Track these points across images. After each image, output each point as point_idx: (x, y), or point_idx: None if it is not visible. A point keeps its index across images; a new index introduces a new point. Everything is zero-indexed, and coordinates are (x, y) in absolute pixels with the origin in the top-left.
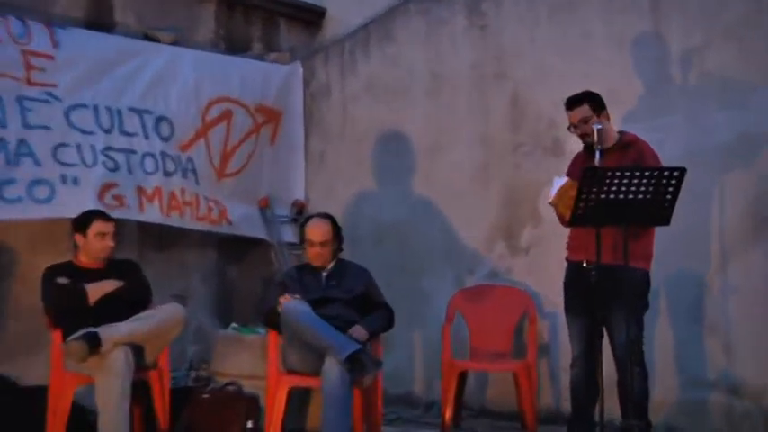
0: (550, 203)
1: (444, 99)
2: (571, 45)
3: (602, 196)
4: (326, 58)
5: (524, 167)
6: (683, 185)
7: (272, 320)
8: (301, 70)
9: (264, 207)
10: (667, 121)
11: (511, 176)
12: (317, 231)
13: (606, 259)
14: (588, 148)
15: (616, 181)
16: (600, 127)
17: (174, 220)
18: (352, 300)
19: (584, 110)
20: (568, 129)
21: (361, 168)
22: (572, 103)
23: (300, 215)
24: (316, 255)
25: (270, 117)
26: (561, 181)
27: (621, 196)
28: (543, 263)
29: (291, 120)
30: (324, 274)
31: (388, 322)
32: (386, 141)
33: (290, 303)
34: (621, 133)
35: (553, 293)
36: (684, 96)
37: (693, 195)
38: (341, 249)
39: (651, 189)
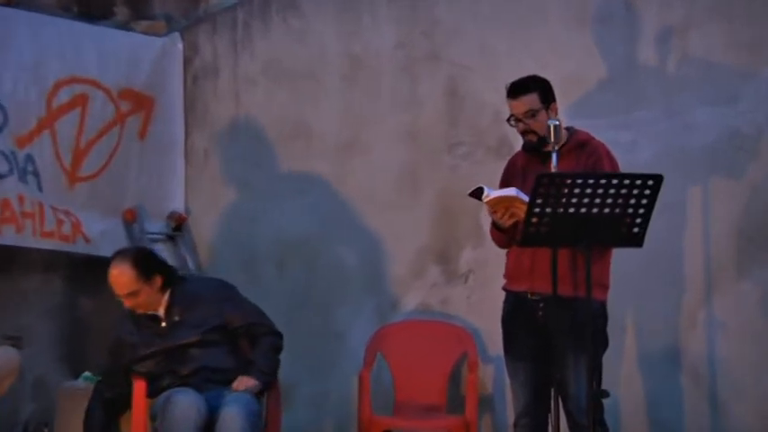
0: (487, 202)
1: (363, 86)
2: (521, 21)
3: (561, 210)
4: (214, 31)
5: (463, 171)
6: (659, 196)
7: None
8: (181, 45)
9: (131, 220)
10: (639, 117)
11: (446, 183)
12: (116, 284)
13: (557, 289)
14: (531, 149)
15: (577, 191)
16: (557, 123)
17: (8, 237)
18: (210, 336)
19: (532, 100)
20: (508, 120)
21: (258, 172)
22: (518, 89)
23: (179, 231)
24: (130, 305)
25: (138, 104)
26: (499, 193)
27: (584, 210)
28: (487, 293)
29: (167, 108)
30: (161, 312)
31: (277, 351)
32: (289, 138)
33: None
34: (571, 131)
35: (499, 332)
36: (661, 86)
37: (670, 208)
38: (168, 277)
39: (620, 201)
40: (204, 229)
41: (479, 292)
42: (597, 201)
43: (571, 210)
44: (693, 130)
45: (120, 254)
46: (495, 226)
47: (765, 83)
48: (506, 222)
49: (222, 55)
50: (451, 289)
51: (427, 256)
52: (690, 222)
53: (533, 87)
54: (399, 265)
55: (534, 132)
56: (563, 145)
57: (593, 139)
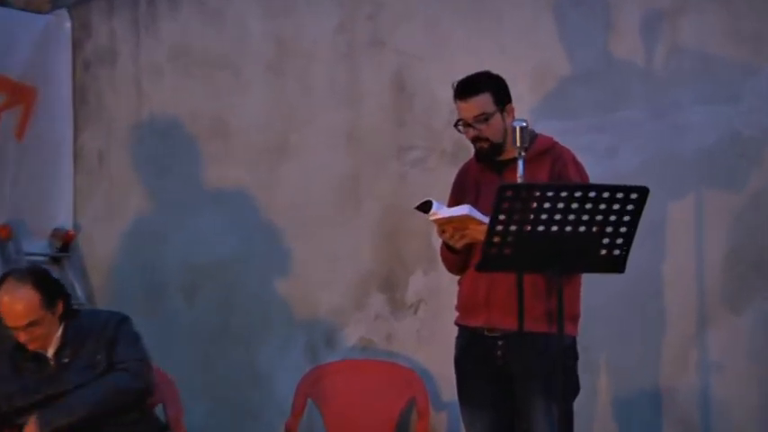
0: (434, 221)
1: (294, 77)
2: (482, 3)
3: (528, 228)
4: (110, 8)
5: (413, 180)
6: (644, 212)
7: None
8: (69, 24)
9: (5, 238)
10: (621, 119)
11: (393, 194)
12: (11, 313)
13: (517, 323)
14: (484, 158)
15: (548, 205)
16: (524, 125)
17: None
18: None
19: (485, 101)
20: (456, 125)
21: (165, 179)
22: (467, 89)
23: (66, 251)
24: (26, 339)
25: (15, 97)
26: (450, 212)
27: (555, 228)
28: (441, 327)
29: (52, 102)
30: (50, 353)
31: (118, 392)
32: (204, 138)
33: None
34: (531, 135)
35: (454, 373)
36: (647, 82)
37: (657, 227)
38: (67, 305)
39: (599, 218)
40: (98, 249)
41: (431, 326)
42: (571, 217)
43: (540, 228)
44: (685, 134)
45: (12, 275)
46: (446, 247)
47: None
48: (457, 244)
49: (121, 37)
50: (398, 322)
51: (369, 282)
52: (680, 244)
53: (486, 87)
54: (336, 292)
55: (487, 139)
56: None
57: (558, 144)
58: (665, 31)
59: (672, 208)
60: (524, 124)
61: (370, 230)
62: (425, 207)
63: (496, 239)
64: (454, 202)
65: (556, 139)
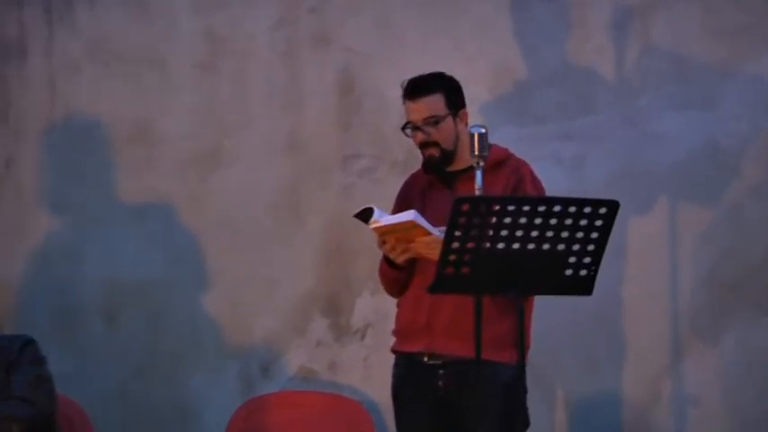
0: (373, 230)
1: (228, 77)
2: None
3: (486, 246)
4: None
5: (360, 193)
6: (613, 228)
7: None
8: None
9: None
10: (588, 125)
11: (338, 208)
12: None
13: (461, 350)
14: (432, 168)
15: (508, 221)
16: (483, 131)
17: None
18: None
19: (436, 103)
20: (403, 128)
21: (81, 189)
22: (417, 89)
23: None
24: None
25: None
26: (393, 219)
27: (516, 246)
28: (390, 355)
29: None
30: None
31: (6, 423)
32: (125, 144)
33: None
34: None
35: None
36: (617, 84)
37: (626, 244)
38: None
39: (564, 235)
40: (3, 267)
41: (380, 354)
42: (534, 234)
43: (500, 246)
44: (658, 143)
45: None
46: (386, 261)
47: (751, 82)
48: (399, 258)
49: (31, 29)
50: (343, 349)
51: (311, 304)
52: (652, 264)
53: (438, 87)
54: (273, 316)
55: (437, 145)
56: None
57: (513, 155)
58: (637, 28)
59: (643, 224)
60: (483, 130)
61: (311, 248)
62: (365, 215)
63: (452, 258)
64: (397, 210)
65: (511, 150)
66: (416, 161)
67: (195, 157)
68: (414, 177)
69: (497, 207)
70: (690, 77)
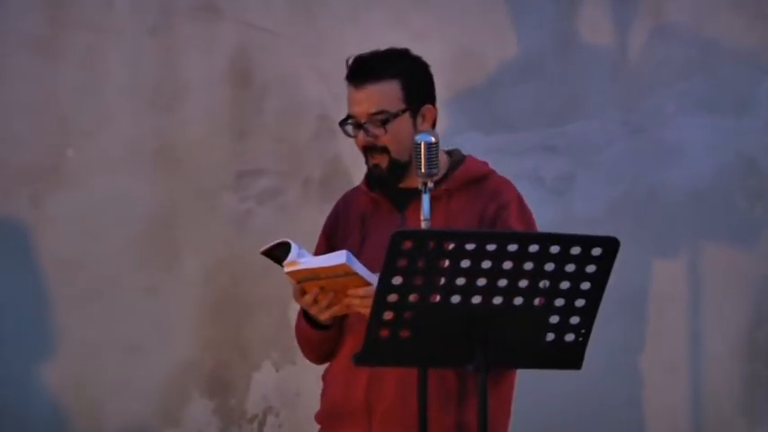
0: (288, 275)
1: (74, 63)
2: None
3: (437, 299)
4: None
5: (259, 223)
6: (611, 275)
7: None
8: None
9: None
10: (579, 133)
11: (227, 244)
12: None
13: None
14: (379, 184)
15: (466, 264)
16: (432, 140)
17: None
18: None
19: (389, 92)
20: (342, 124)
21: None
22: (365, 70)
23: None
24: None
25: None
26: (317, 263)
27: (478, 300)
28: None
29: None
30: None
31: None
32: None
33: None
34: (456, 157)
35: None
36: (618, 81)
37: (630, 297)
38: None
39: (545, 286)
40: None
41: None
42: (502, 283)
43: (455, 299)
44: (673, 158)
45: None
46: (306, 317)
47: None
48: (323, 315)
49: None
50: None
51: (188, 380)
52: (666, 324)
53: (393, 70)
54: (135, 397)
55: (385, 152)
56: (441, 180)
57: (495, 174)
58: (645, 11)
59: (654, 270)
60: (432, 139)
61: (189, 300)
62: (278, 253)
63: (388, 316)
64: (324, 249)
65: (491, 165)
66: (339, 179)
67: (26, 171)
68: (353, 195)
69: (452, 245)
70: (716, 70)
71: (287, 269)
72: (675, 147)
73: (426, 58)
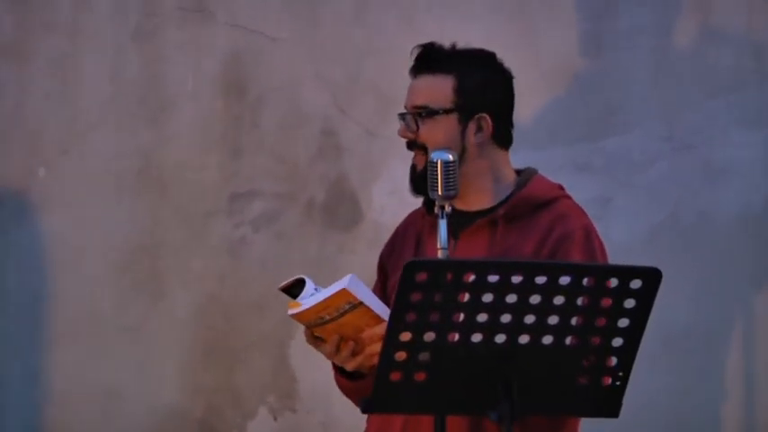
0: (294, 317)
1: (43, 67)
2: None
3: (456, 338)
4: None
5: (256, 252)
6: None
7: None
8: None
9: None
10: (616, 150)
11: (219, 276)
12: None
13: None
14: (416, 188)
15: (489, 299)
16: (450, 159)
17: None
18: None
19: (442, 87)
20: (401, 116)
21: None
22: (424, 60)
23: None
24: None
25: None
26: (320, 297)
27: (504, 338)
28: None
29: None
30: None
31: None
32: None
33: None
34: (525, 177)
35: None
36: (659, 89)
37: (675, 337)
38: None
39: (577, 323)
40: None
41: None
42: (530, 321)
43: (476, 338)
44: (724, 178)
45: None
46: (336, 368)
47: None
48: (349, 366)
49: None
50: None
51: (176, 428)
52: (712, 372)
53: (453, 65)
54: None
55: (423, 149)
56: (499, 204)
57: (566, 197)
58: (691, 3)
59: (702, 305)
60: (450, 158)
61: (176, 340)
62: (296, 290)
63: (400, 357)
64: (380, 285)
65: (565, 188)
66: (345, 203)
67: None
68: (413, 216)
69: (472, 277)
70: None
71: (289, 312)
72: (726, 166)
73: None
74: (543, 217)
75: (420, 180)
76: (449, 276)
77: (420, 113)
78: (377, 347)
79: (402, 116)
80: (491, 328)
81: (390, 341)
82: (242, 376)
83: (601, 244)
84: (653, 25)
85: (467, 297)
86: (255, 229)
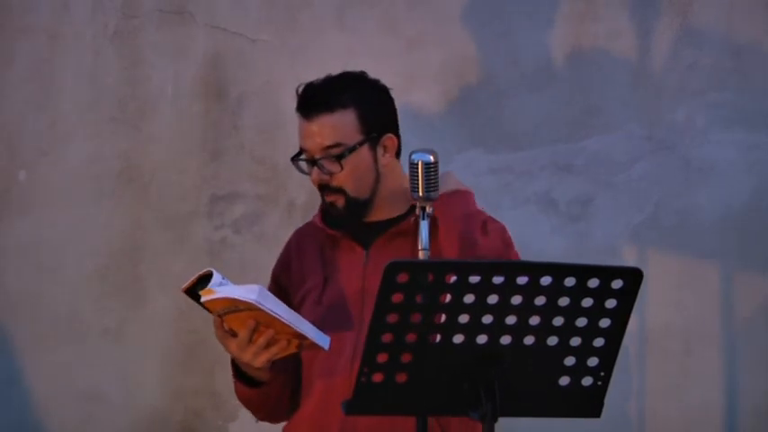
0: (207, 304)
1: (20, 68)
2: None
3: (438, 338)
4: None
5: (236, 254)
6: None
7: None
8: None
9: None
10: (594, 151)
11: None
12: None
13: None
14: (337, 223)
15: (470, 300)
16: (431, 160)
17: None
18: None
19: (343, 124)
20: (293, 160)
21: None
22: (315, 100)
23: None
24: None
25: None
26: (229, 293)
27: (485, 339)
28: None
29: None
30: None
31: None
32: None
33: None
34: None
35: None
36: (638, 90)
37: (655, 339)
38: None
39: (558, 323)
40: None
41: None
42: (511, 321)
43: (457, 339)
44: (704, 179)
45: None
46: (236, 374)
47: None
48: (260, 356)
49: None
50: None
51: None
52: (693, 371)
53: (349, 98)
54: None
55: (340, 191)
56: (407, 215)
57: (477, 209)
58: (670, 5)
59: (683, 304)
60: (431, 158)
61: (157, 343)
62: (204, 286)
63: (382, 358)
64: (277, 291)
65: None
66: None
67: None
68: (307, 231)
69: (454, 278)
70: (751, 79)
71: (203, 298)
72: (706, 166)
73: (415, 64)
74: (465, 225)
75: (348, 215)
76: (430, 277)
77: (339, 155)
78: (283, 345)
79: (312, 162)
80: (473, 328)
81: (372, 343)
82: (223, 379)
83: (515, 249)
84: (632, 26)
85: (448, 298)
86: (236, 230)
